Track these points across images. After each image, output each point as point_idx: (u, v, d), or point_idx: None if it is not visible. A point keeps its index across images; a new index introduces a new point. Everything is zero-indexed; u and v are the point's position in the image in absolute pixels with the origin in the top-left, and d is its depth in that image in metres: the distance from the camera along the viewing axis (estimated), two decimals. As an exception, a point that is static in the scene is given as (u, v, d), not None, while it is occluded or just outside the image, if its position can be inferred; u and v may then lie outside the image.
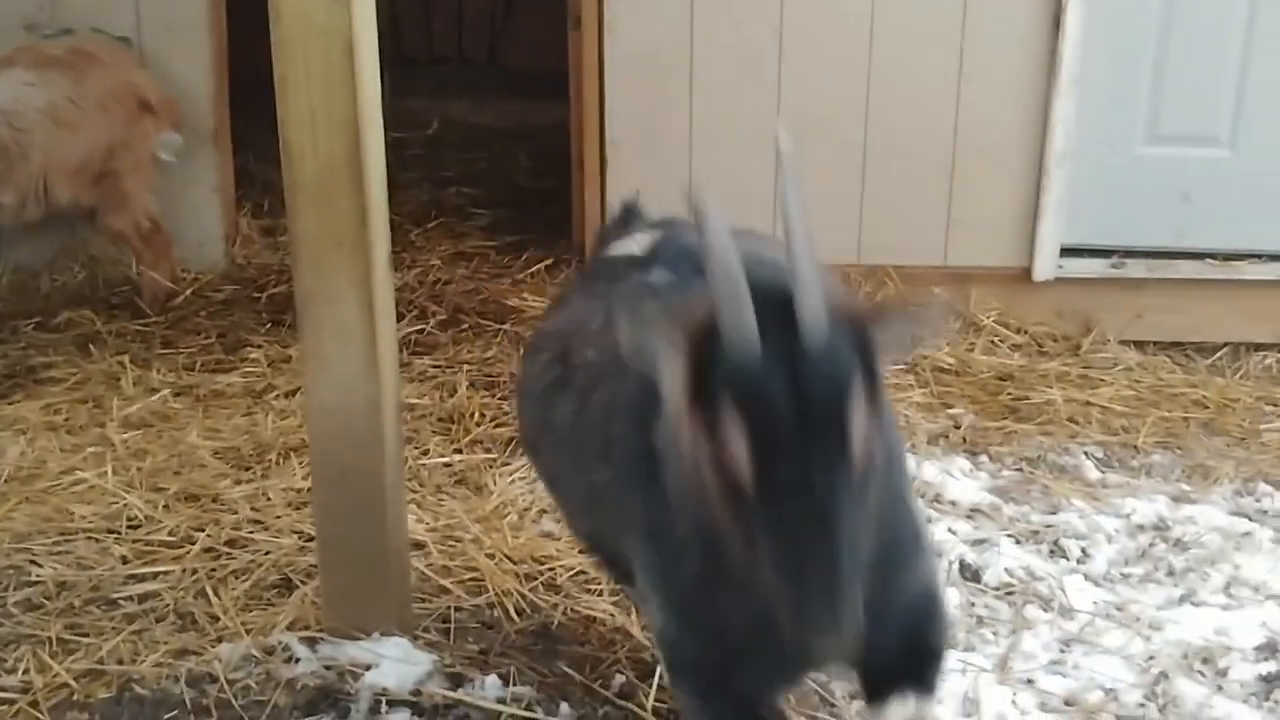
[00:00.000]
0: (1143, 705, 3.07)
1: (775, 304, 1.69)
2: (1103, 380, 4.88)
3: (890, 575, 2.02)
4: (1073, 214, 5.24)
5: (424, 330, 5.24)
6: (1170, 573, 3.68)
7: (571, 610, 3.45)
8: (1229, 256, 5.28)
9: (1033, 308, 5.25)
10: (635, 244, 2.64)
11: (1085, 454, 4.38)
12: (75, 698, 3.09)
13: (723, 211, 1.79)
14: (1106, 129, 5.22)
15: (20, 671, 3.16)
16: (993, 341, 5.05)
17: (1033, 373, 4.88)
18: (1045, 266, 5.25)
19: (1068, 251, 5.27)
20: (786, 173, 1.87)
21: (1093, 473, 4.26)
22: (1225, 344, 5.21)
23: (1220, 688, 3.15)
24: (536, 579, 3.57)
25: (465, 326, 5.29)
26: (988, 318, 5.16)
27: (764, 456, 1.66)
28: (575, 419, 2.41)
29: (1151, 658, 3.25)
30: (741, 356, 1.67)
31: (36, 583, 3.54)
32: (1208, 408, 4.76)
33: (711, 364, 1.70)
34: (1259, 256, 5.27)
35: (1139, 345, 5.19)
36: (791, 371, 1.67)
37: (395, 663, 3.11)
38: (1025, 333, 5.15)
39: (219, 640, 3.28)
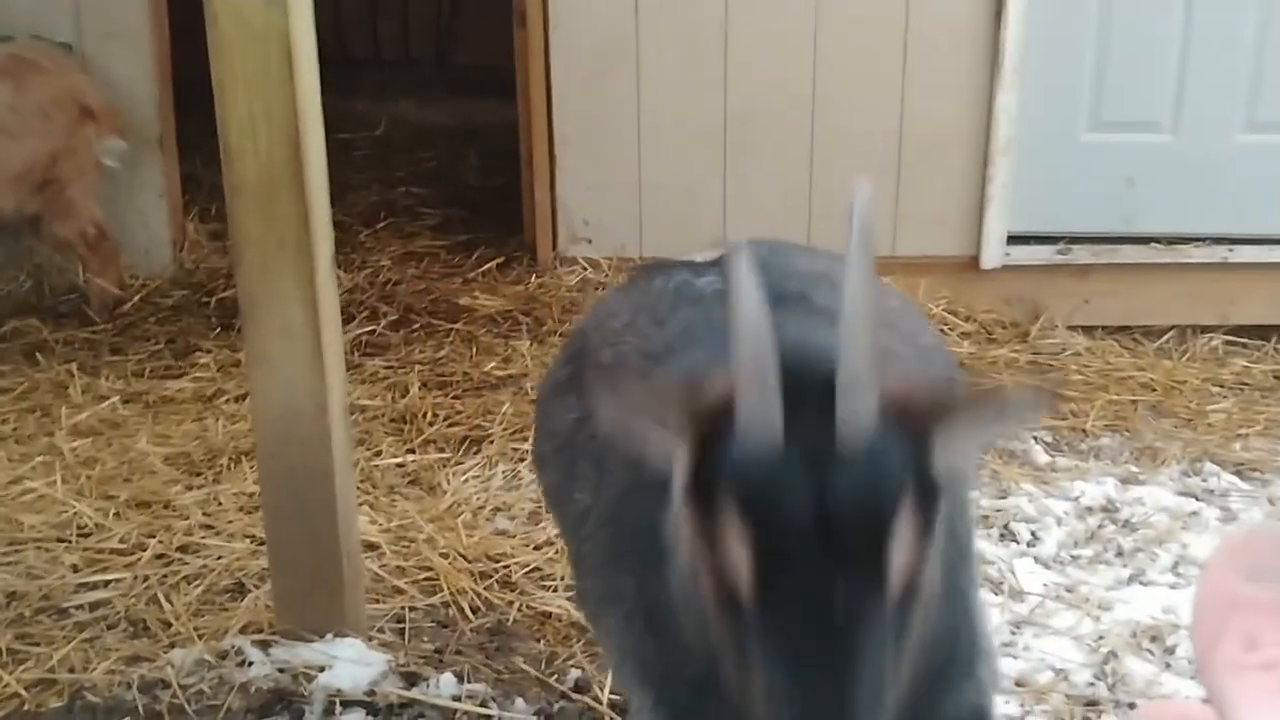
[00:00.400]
0: (1092, 684, 3.12)
1: (811, 386, 1.37)
2: (1052, 365, 4.93)
3: (935, 698, 1.70)
4: (1018, 202, 5.29)
5: (375, 331, 5.22)
6: (1119, 553, 3.73)
7: (526, 607, 3.45)
8: (1173, 240, 5.34)
9: (981, 296, 5.30)
10: (702, 254, 2.35)
11: (1034, 439, 4.43)
12: (26, 708, 3.06)
13: (754, 268, 1.44)
14: (1050, 117, 5.27)
15: (-31, 683, 3.13)
16: (942, 329, 5.09)
17: (982, 360, 4.93)
18: (992, 255, 5.30)
19: (1014, 239, 5.32)
20: (855, 235, 1.45)
21: (1042, 457, 4.30)
22: (1172, 327, 5.27)
23: (1169, 665, 3.20)
24: (491, 577, 3.57)
25: (416, 326, 5.27)
26: (937, 306, 5.20)
27: (771, 577, 1.35)
28: (577, 428, 2.09)
29: (1101, 637, 3.29)
30: (756, 454, 1.35)
31: (-15, 594, 3.51)
32: (1155, 390, 4.82)
33: (719, 452, 1.38)
34: (1203, 240, 5.34)
35: (1087, 330, 5.25)
36: (818, 479, 1.34)
37: (349, 664, 3.10)
38: (974, 320, 5.20)
39: (171, 646, 3.26)
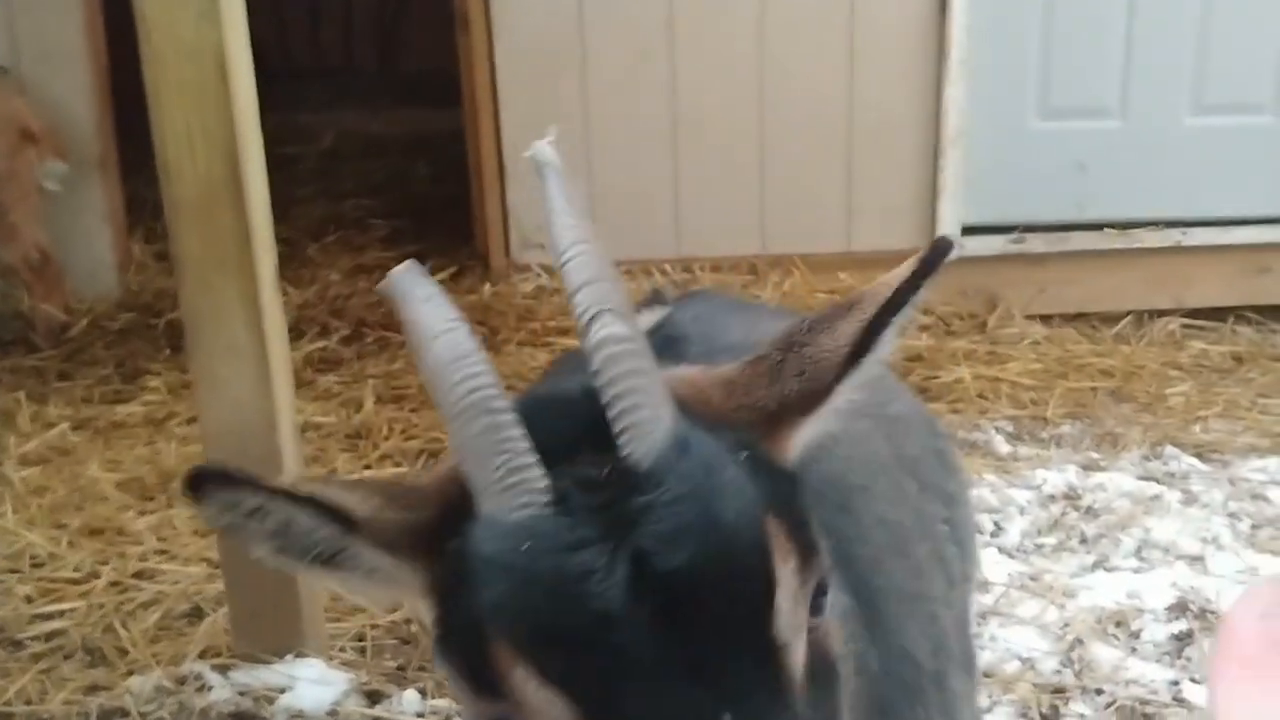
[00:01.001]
0: (1059, 672, 3.11)
1: (575, 432, 1.06)
2: (1010, 355, 4.93)
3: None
4: (971, 193, 5.29)
5: (326, 347, 5.15)
6: (1082, 540, 3.73)
7: (490, 619, 3.40)
8: (1127, 225, 5.35)
9: (938, 288, 5.21)
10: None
11: (995, 429, 4.43)
12: (-21, 745, 3.00)
13: (435, 290, 1.12)
14: (999, 106, 5.27)
15: (-80, 722, 3.06)
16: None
17: (941, 352, 4.92)
18: (947, 246, 5.29)
19: (969, 230, 5.32)
20: (550, 184, 1.18)
21: (1003, 447, 4.30)
22: (1128, 312, 5.28)
23: (1134, 649, 3.21)
24: (453, 590, 3.52)
25: (369, 340, 5.21)
26: (893, 300, 5.17)
27: None
28: None
29: (1066, 625, 3.28)
30: (510, 540, 0.99)
31: (-65, 629, 3.43)
32: (1114, 376, 4.83)
33: (462, 567, 1.02)
34: (1156, 224, 5.35)
35: (1044, 319, 5.25)
36: (622, 542, 0.98)
37: (311, 684, 3.05)
38: (932, 313, 5.19)
39: (129, 673, 3.20)
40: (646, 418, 1.02)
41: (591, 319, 1.06)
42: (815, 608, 1.05)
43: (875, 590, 1.56)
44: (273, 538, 1.10)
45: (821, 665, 1.07)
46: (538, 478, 1.00)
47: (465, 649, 1.02)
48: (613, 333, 1.05)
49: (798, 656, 1.03)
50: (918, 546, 1.79)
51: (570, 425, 1.06)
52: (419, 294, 1.10)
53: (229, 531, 1.10)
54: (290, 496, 1.07)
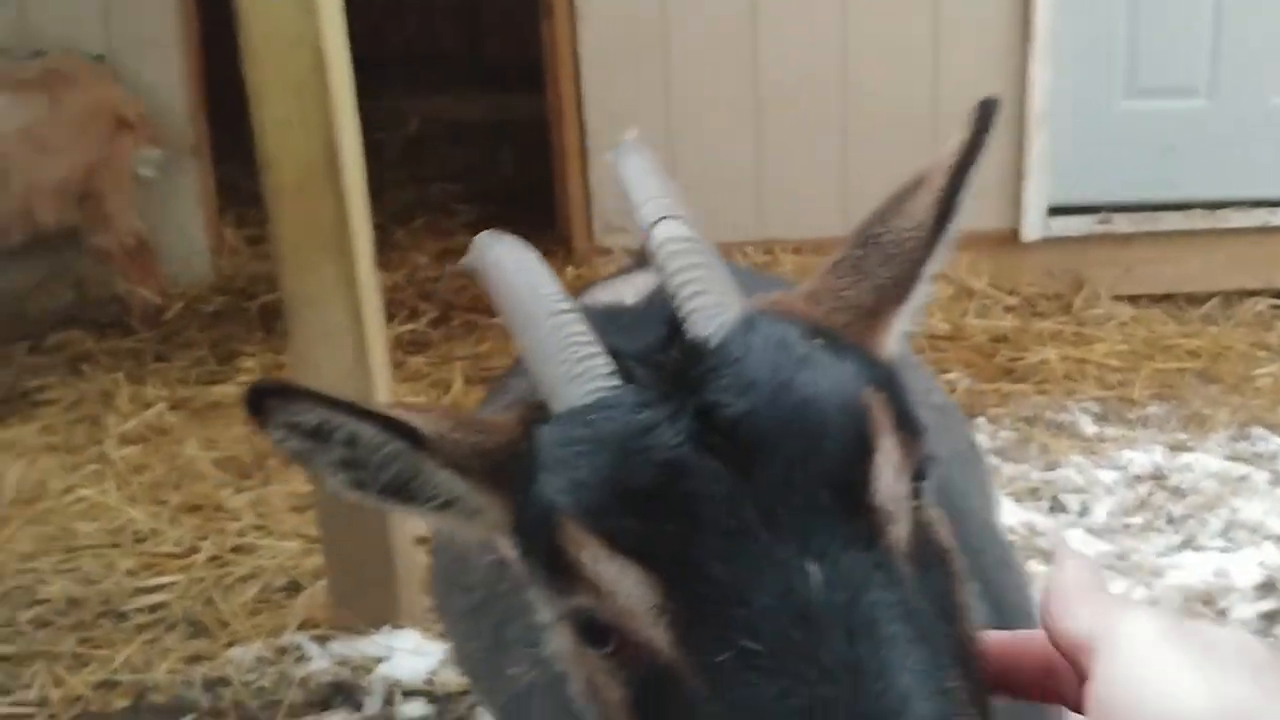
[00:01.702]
0: (1148, 652, 3.10)
1: (647, 337, 1.04)
2: (1096, 336, 4.90)
3: None
4: (1057, 173, 5.25)
5: (415, 329, 5.25)
6: (1169, 520, 3.71)
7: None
8: (1215, 205, 5.29)
9: (1023, 269, 5.27)
10: (629, 287, 1.90)
11: (1081, 410, 4.40)
12: (92, 708, 3.11)
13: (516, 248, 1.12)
14: (1086, 86, 5.22)
15: (36, 687, 3.19)
16: (985, 305, 5.06)
17: (1026, 333, 4.90)
18: (1033, 227, 5.26)
19: (1055, 211, 5.28)
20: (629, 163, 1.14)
21: (1090, 428, 4.28)
22: (1216, 293, 5.22)
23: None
24: (542, 566, 3.59)
25: (456, 323, 5.30)
26: (979, 282, 5.16)
27: (693, 607, 0.92)
28: (498, 574, 1.59)
29: (1153, 604, 3.27)
30: (584, 432, 0.97)
31: (45, 600, 3.57)
32: (1201, 357, 4.78)
33: (536, 476, 0.99)
34: (1244, 204, 5.28)
35: (1131, 299, 5.20)
36: (691, 402, 0.95)
37: (407, 654, 3.13)
38: (1017, 294, 5.16)
39: (230, 644, 3.31)
40: (713, 302, 1.01)
41: (654, 224, 1.07)
42: (914, 491, 0.99)
43: (1002, 591, 1.47)
44: (343, 464, 1.05)
45: (930, 551, 0.99)
46: (603, 364, 0.99)
47: (541, 549, 0.98)
48: (676, 233, 1.06)
49: (901, 529, 0.96)
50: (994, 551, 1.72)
51: (637, 325, 1.07)
52: (494, 241, 1.12)
53: (298, 458, 1.06)
54: (353, 409, 1.04)
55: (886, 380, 1.01)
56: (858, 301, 1.09)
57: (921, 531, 0.99)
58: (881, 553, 0.93)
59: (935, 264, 1.10)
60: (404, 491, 1.07)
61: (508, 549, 1.08)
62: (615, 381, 0.98)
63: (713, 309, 1.00)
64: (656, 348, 1.02)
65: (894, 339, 1.11)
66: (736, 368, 0.96)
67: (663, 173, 1.13)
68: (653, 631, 0.94)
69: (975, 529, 1.52)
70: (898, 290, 1.09)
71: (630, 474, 0.93)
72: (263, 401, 1.03)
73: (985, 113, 1.13)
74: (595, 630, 0.97)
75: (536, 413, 1.03)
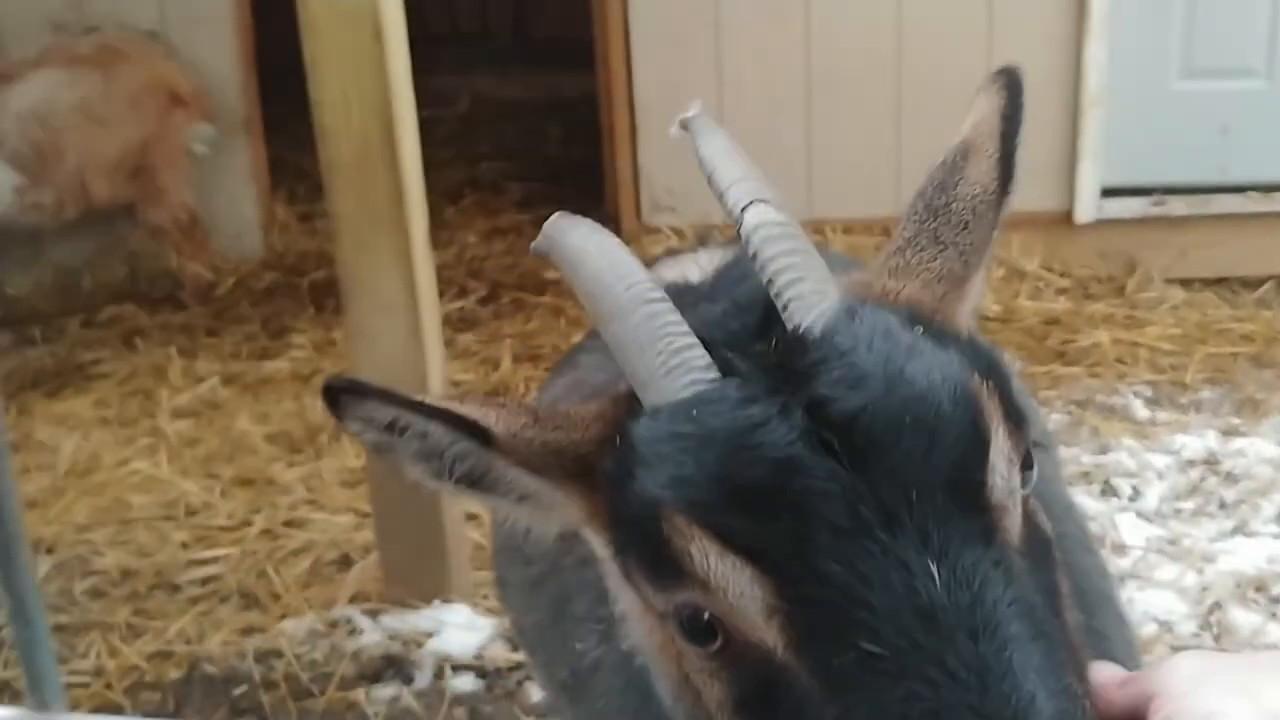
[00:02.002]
0: (1197, 635, 3.09)
1: (744, 329, 1.03)
2: (1149, 320, 4.85)
3: None
4: (1111, 154, 5.19)
5: (464, 307, 5.27)
6: (1221, 505, 3.68)
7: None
8: (1270, 188, 5.21)
9: (1076, 251, 5.21)
10: (694, 265, 1.81)
11: (1134, 394, 4.36)
12: (147, 679, 3.16)
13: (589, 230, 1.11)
14: (1141, 67, 5.16)
15: (92, 656, 3.24)
16: (1037, 287, 5.02)
17: (1079, 316, 4.86)
18: (1086, 208, 5.21)
19: (1108, 192, 5.22)
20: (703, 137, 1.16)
21: (1142, 412, 4.24)
22: (1270, 276, 5.15)
23: (1274, 614, 3.17)
24: (591, 544, 3.60)
25: (505, 301, 5.31)
26: (1031, 263, 5.11)
27: (804, 605, 0.90)
28: (564, 548, 1.52)
29: (1205, 589, 3.25)
30: (688, 424, 0.95)
31: (100, 571, 3.62)
32: (1255, 341, 4.72)
33: (634, 473, 0.98)
34: (1301, 187, 5.20)
35: (1184, 283, 5.14)
36: (801, 397, 0.93)
37: (458, 629, 3.15)
38: (1069, 276, 5.12)
39: (283, 617, 3.34)
40: (811, 289, 0.99)
41: (744, 209, 1.05)
42: (1023, 480, 0.97)
43: (1078, 574, 1.36)
44: (419, 456, 1.07)
45: (1036, 539, 0.98)
46: (699, 356, 0.97)
47: (642, 544, 0.97)
48: (767, 218, 1.04)
49: (1014, 522, 0.95)
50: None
51: (730, 314, 1.04)
52: (571, 225, 1.11)
53: (377, 450, 1.08)
54: (421, 408, 1.04)
55: (989, 367, 0.99)
56: (947, 272, 1.09)
57: (1029, 522, 0.97)
58: (999, 548, 0.92)
59: (1000, 228, 1.13)
60: (481, 484, 1.08)
61: (596, 543, 1.08)
62: (714, 374, 0.96)
63: (812, 297, 0.98)
64: (751, 336, 1.00)
65: (968, 314, 1.12)
66: (846, 360, 0.93)
67: (742, 152, 1.13)
68: (765, 632, 0.92)
69: (1059, 512, 1.46)
70: (975, 256, 1.11)
71: (742, 470, 0.91)
72: (338, 397, 1.05)
73: (1011, 79, 1.21)
74: (700, 628, 0.96)
75: (626, 406, 1.02)
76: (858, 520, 0.89)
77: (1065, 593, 1.00)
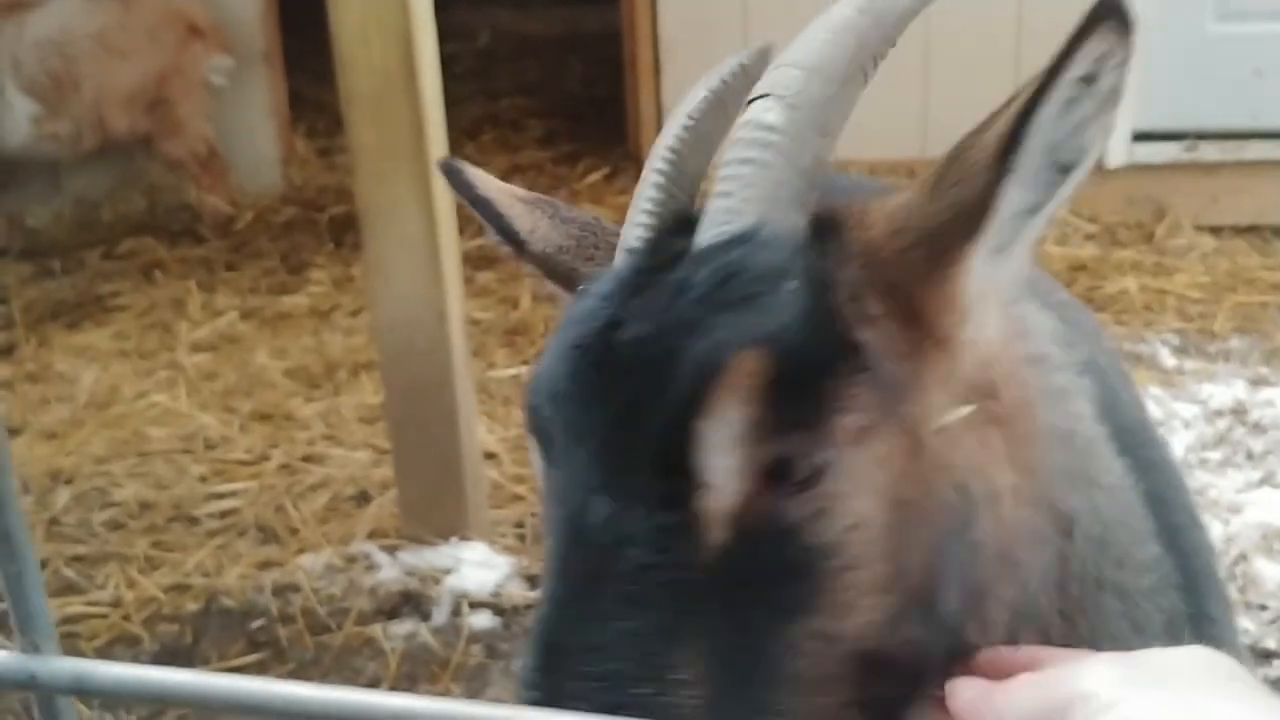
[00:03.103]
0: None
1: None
2: (1178, 267, 4.78)
3: None
4: (1143, 97, 5.09)
5: (483, 245, 5.18)
6: (1249, 456, 3.63)
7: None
8: (1305, 135, 5.12)
9: (1105, 196, 5.13)
10: None
11: (1161, 342, 4.31)
12: (164, 611, 3.16)
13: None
14: (1174, 8, 5.04)
15: (110, 587, 3.24)
16: (1064, 232, 4.95)
17: (1106, 262, 4.79)
18: (1117, 153, 5.12)
19: (1140, 137, 5.13)
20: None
21: (1169, 360, 4.19)
22: (1302, 225, 5.07)
23: (1302, 567, 3.14)
24: (609, 484, 3.58)
25: (525, 238, 5.25)
26: (1059, 208, 5.03)
27: (547, 486, 1.01)
28: None
29: (1230, 540, 3.22)
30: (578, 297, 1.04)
31: (119, 503, 3.61)
32: (1286, 291, 4.66)
33: None
34: (1336, 134, 5.11)
35: (1214, 230, 5.06)
36: (617, 314, 0.97)
37: (475, 566, 3.14)
38: (1098, 222, 5.04)
39: (300, 552, 3.33)
40: (730, 206, 0.98)
41: (753, 100, 1.01)
42: (780, 474, 0.93)
43: (1189, 558, 1.32)
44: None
45: (792, 554, 0.94)
46: (638, 236, 1.03)
47: None
48: (759, 118, 1.00)
49: (719, 503, 0.93)
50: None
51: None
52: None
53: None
54: (479, 202, 1.14)
55: (819, 354, 0.94)
56: (923, 227, 1.00)
57: (780, 526, 0.93)
58: (681, 518, 0.92)
59: (1012, 196, 0.99)
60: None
61: None
62: (625, 259, 1.02)
63: (721, 215, 0.98)
64: (678, 234, 1.01)
65: (972, 294, 1.01)
66: (658, 290, 0.96)
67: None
68: (543, 503, 1.01)
69: (1165, 479, 1.39)
70: (962, 219, 0.99)
71: (547, 358, 0.99)
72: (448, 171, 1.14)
73: (1092, 18, 0.95)
74: None
75: None
76: (579, 436, 0.95)
77: (819, 632, 0.95)
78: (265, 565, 3.31)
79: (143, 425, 4.02)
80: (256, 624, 3.09)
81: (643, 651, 0.91)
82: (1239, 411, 3.86)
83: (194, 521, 3.54)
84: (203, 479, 3.73)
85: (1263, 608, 3.02)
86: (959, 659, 1.02)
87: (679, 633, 0.92)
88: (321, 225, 5.47)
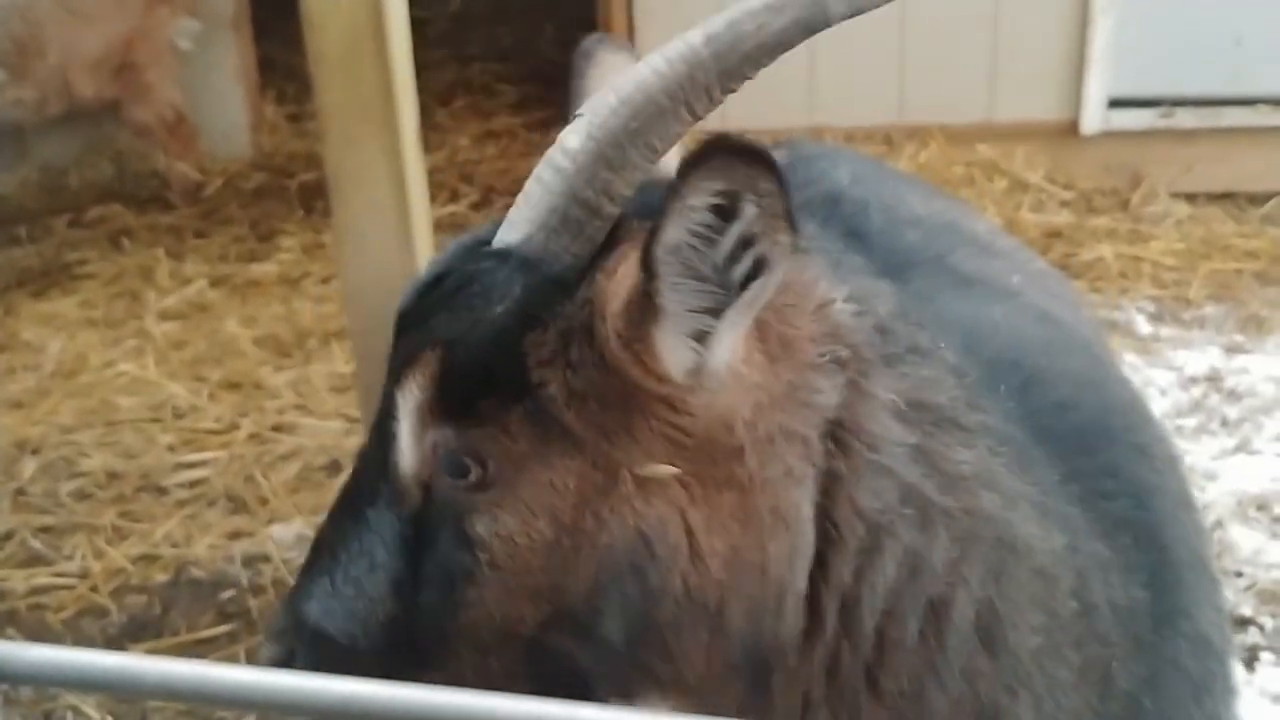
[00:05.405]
0: (1202, 554, 3.06)
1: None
2: (1153, 234, 4.77)
3: None
4: (1120, 64, 5.07)
5: (455, 212, 5.17)
6: (1224, 423, 3.64)
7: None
8: (1281, 102, 5.11)
9: (1081, 163, 5.11)
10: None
11: (1136, 309, 4.30)
12: (133, 582, 3.12)
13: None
14: (1153, -28, 5.02)
15: (78, 558, 3.19)
16: (1040, 199, 4.93)
17: (1082, 229, 4.77)
18: (1093, 119, 5.10)
19: (1115, 103, 5.11)
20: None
21: (1144, 327, 4.19)
22: (1278, 192, 5.06)
23: (1275, 534, 3.15)
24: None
25: (498, 206, 5.20)
26: (1035, 175, 5.01)
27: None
28: None
29: (1206, 507, 3.21)
30: None
31: (86, 473, 3.56)
32: (1260, 258, 4.65)
33: None
34: (1313, 101, 5.09)
35: (1190, 198, 5.05)
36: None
37: (447, 538, 3.11)
38: (1073, 189, 5.02)
39: (270, 522, 3.30)
40: (513, 218, 1.16)
41: (578, 115, 1.14)
42: (448, 465, 1.15)
43: (1166, 550, 1.35)
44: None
45: (452, 534, 1.15)
46: (503, 220, 1.19)
47: None
48: (563, 139, 1.13)
49: (401, 461, 1.18)
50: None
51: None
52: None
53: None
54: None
55: (479, 372, 1.13)
56: (622, 300, 1.14)
57: (449, 510, 1.15)
58: (387, 465, 1.17)
59: (681, 300, 1.11)
60: None
61: None
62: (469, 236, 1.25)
63: (507, 225, 1.16)
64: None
65: (675, 354, 1.12)
66: (428, 277, 1.21)
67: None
68: None
69: (1145, 472, 1.40)
70: (639, 310, 1.12)
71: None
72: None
73: (693, 160, 1.05)
74: None
75: None
76: (389, 374, 1.21)
77: (469, 601, 1.16)
78: (235, 535, 3.27)
79: (111, 394, 3.96)
80: (226, 595, 3.05)
81: (352, 568, 1.18)
82: (1214, 379, 3.86)
83: (163, 491, 3.49)
84: (171, 449, 3.68)
85: (1238, 574, 3.02)
86: (646, 683, 1.14)
87: (380, 564, 1.17)
88: (291, 192, 5.40)
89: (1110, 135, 5.10)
